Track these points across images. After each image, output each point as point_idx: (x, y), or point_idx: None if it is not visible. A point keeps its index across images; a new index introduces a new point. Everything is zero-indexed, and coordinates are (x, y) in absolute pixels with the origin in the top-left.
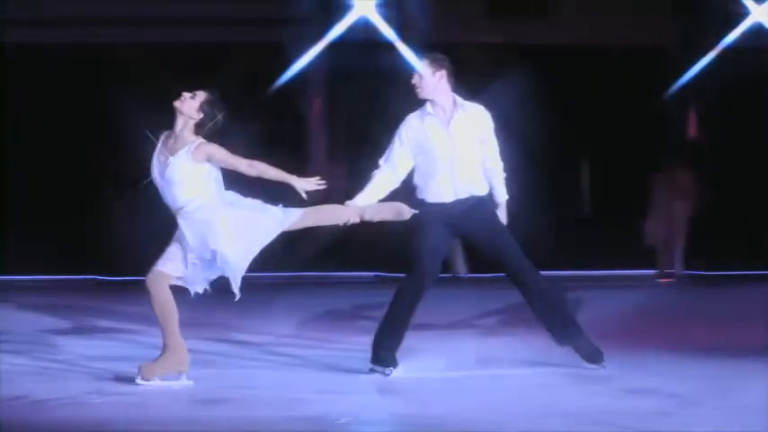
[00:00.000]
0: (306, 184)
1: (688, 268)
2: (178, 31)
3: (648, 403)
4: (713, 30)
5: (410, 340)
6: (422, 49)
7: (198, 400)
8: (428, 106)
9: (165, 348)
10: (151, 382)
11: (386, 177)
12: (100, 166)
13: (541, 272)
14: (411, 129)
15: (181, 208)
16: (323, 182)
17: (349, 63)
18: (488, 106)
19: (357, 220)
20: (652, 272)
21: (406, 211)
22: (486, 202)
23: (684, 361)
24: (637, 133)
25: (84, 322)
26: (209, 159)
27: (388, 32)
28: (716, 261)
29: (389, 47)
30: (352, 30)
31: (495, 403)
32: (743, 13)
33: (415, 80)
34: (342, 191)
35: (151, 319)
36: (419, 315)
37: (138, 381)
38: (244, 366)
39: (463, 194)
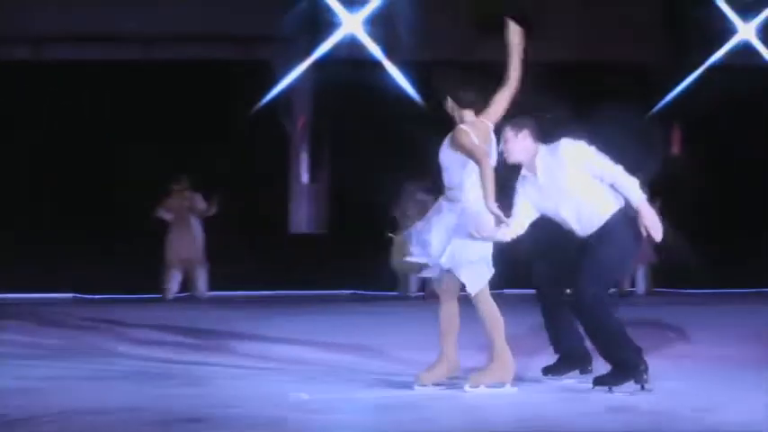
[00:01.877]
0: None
1: None
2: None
3: None
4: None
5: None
6: (408, 66)
7: None
8: (523, 168)
9: (492, 357)
10: (478, 390)
11: (515, 233)
12: None
13: None
14: (521, 189)
15: None
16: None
17: (335, 80)
18: None
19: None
20: None
21: None
22: (609, 226)
23: None
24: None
25: None
26: None
27: (374, 50)
28: None
29: (376, 65)
30: (338, 47)
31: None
32: (730, 31)
33: (501, 148)
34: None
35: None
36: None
37: (467, 388)
38: None
39: (588, 231)
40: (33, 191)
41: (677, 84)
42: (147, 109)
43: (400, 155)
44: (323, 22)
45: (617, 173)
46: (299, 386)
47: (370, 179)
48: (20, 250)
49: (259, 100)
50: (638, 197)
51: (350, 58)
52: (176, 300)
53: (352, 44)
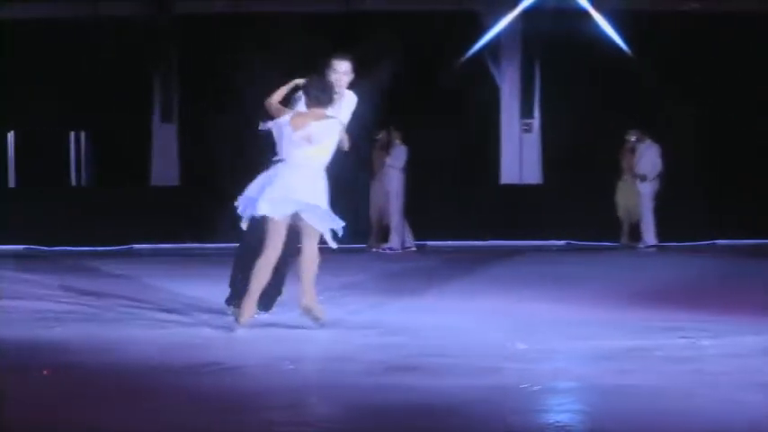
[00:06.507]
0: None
1: None
2: None
3: None
4: None
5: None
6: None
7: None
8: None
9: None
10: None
11: None
12: None
13: None
14: None
15: None
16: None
17: (543, 30)
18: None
19: None
20: None
21: None
22: None
23: None
24: None
25: None
26: None
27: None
28: None
29: (583, 14)
30: None
31: None
32: None
33: (348, 77)
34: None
35: None
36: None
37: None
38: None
39: None
40: None
41: None
42: None
43: (612, 103)
44: None
45: None
46: (513, 336)
47: (584, 128)
48: None
49: (467, 50)
50: None
51: (557, 8)
52: None
53: None
